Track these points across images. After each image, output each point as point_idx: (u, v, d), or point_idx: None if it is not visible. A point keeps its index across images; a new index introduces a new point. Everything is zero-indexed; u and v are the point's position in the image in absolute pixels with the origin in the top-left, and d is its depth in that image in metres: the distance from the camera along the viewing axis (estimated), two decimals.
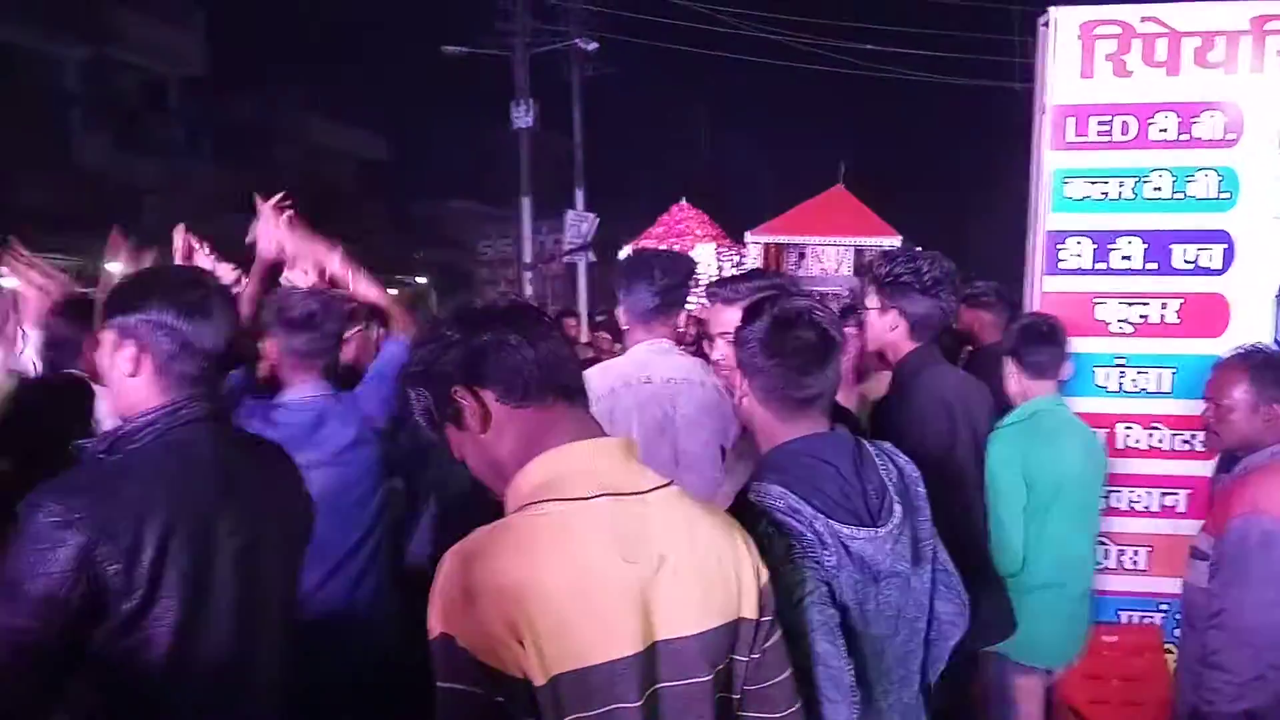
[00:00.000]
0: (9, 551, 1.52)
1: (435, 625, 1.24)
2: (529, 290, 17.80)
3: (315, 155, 23.40)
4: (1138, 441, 3.37)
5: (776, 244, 11.68)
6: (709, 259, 11.46)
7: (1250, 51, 3.23)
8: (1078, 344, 3.28)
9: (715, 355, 2.48)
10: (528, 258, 18.50)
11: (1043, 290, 3.38)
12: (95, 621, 1.53)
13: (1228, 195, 3.27)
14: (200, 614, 1.63)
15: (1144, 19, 3.28)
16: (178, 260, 2.75)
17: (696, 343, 3.97)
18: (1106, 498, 3.25)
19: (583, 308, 14.85)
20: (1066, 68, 3.32)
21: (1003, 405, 2.99)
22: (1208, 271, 3.29)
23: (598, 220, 15.92)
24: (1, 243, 2.68)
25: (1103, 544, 3.35)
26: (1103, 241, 3.34)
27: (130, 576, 1.54)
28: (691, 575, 1.34)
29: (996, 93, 16.25)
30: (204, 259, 2.83)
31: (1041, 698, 3.05)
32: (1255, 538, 2.31)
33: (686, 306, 2.75)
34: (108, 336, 1.70)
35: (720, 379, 2.52)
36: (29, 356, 2.50)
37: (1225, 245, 3.28)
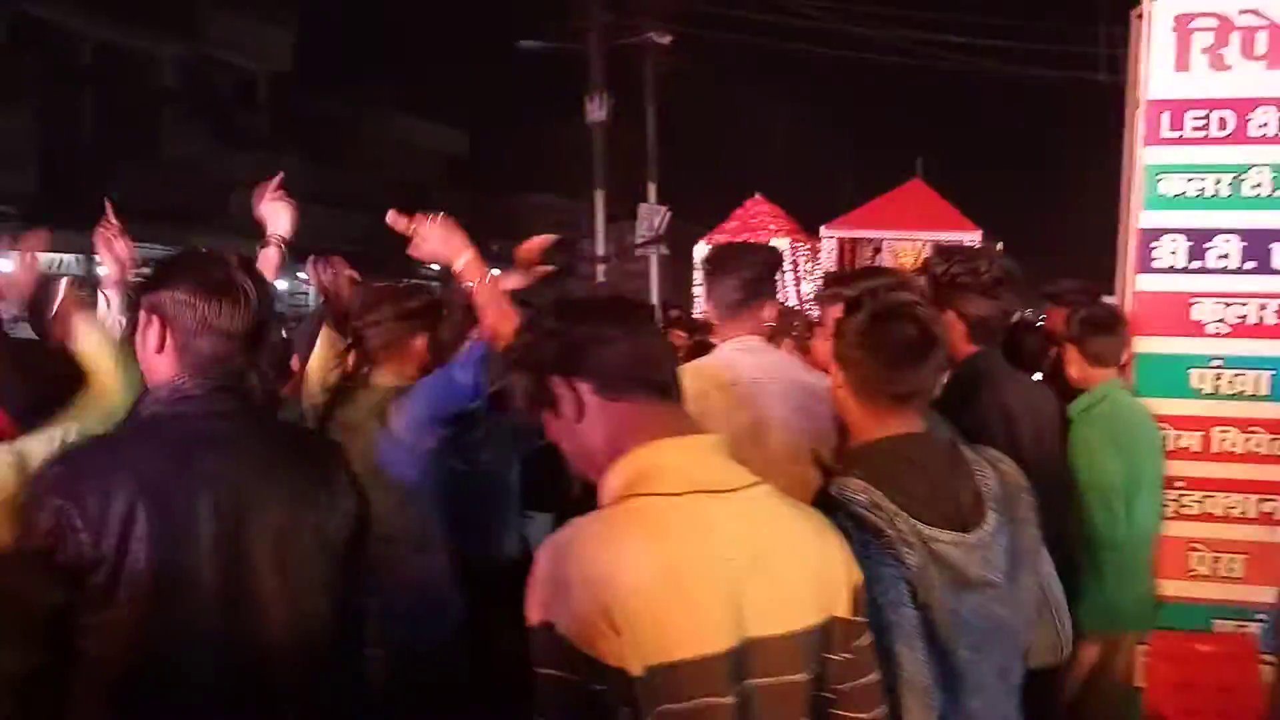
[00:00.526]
0: None
1: (534, 613, 1.28)
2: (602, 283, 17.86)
3: (398, 150, 23.88)
4: (1234, 446, 3.26)
5: (851, 238, 11.56)
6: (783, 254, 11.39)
7: None
8: (1172, 345, 3.21)
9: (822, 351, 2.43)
10: (601, 251, 18.58)
11: (1135, 289, 3.31)
12: (73, 588, 1.56)
13: None
14: (173, 599, 1.59)
15: (1242, 11, 3.18)
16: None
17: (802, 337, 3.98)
18: (1201, 502, 3.21)
19: (655, 301, 14.88)
20: (1161, 61, 3.23)
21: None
22: None
23: (669, 213, 15.92)
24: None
25: (1196, 550, 3.27)
26: (1199, 240, 3.25)
27: (98, 548, 1.55)
28: (783, 574, 1.35)
29: (1080, 85, 15.82)
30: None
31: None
32: None
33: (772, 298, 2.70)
34: (140, 313, 1.74)
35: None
36: (114, 318, 2.70)
37: None
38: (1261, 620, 3.23)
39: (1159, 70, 3.24)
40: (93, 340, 2.39)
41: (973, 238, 10.38)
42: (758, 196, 12.46)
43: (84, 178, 14.05)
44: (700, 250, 10.88)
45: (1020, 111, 27.88)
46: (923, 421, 1.78)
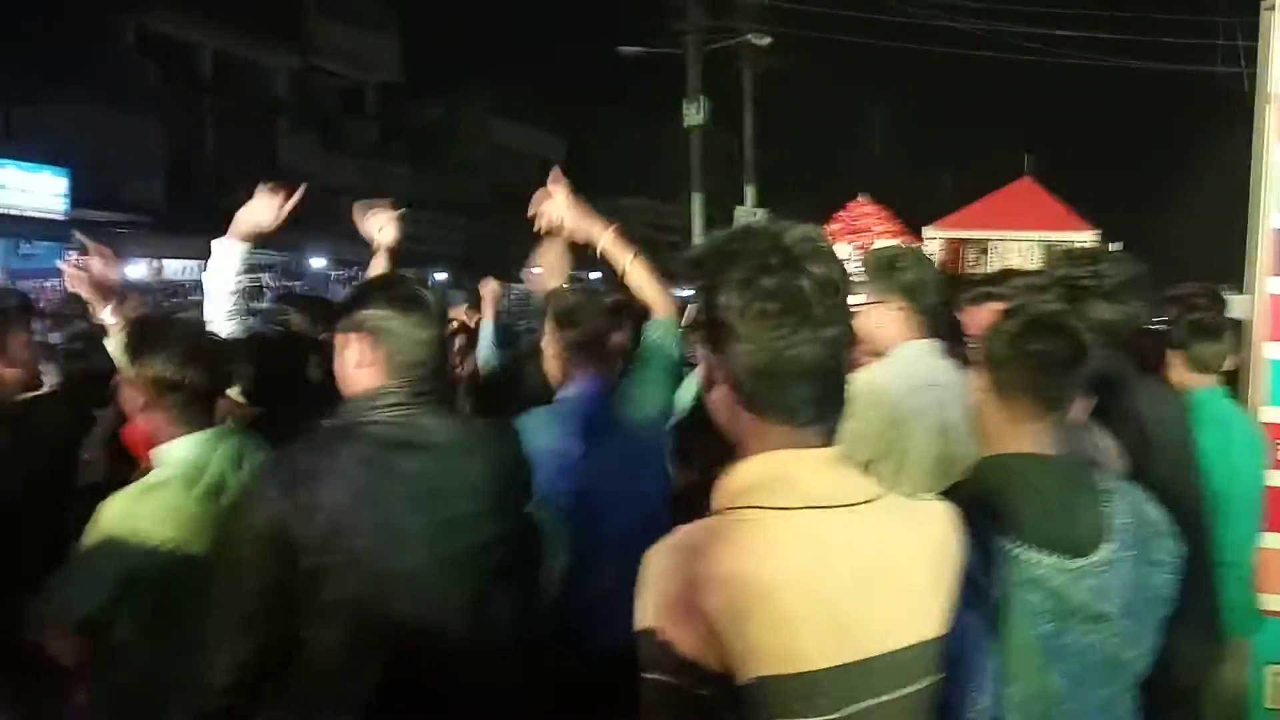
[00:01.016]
0: None
1: (643, 617, 1.28)
2: None
3: (499, 155, 24.33)
4: None
5: (957, 239, 11.24)
6: None
7: None
8: None
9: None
10: None
11: (1270, 293, 3.14)
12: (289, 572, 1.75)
13: None
14: (380, 588, 1.78)
15: None
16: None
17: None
18: None
19: None
20: None
21: None
22: None
23: (766, 216, 15.83)
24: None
25: None
26: None
27: (312, 541, 1.74)
28: (898, 589, 1.32)
29: (1201, 78, 15.09)
30: None
31: None
32: None
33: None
34: (339, 336, 1.93)
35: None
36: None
37: None
38: None
39: None
40: None
41: (1088, 238, 9.91)
42: (860, 198, 12.19)
43: (207, 186, 14.72)
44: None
45: (1138, 106, 26.76)
46: (1056, 442, 1.74)
